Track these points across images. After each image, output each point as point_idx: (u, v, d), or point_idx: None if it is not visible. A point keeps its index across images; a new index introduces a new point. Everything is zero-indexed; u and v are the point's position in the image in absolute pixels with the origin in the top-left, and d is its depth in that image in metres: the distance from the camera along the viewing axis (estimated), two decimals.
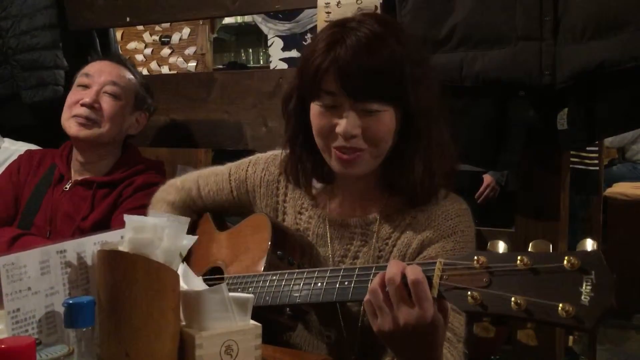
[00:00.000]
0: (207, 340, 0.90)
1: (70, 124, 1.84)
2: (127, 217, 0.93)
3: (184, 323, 0.93)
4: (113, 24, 2.57)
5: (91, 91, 1.84)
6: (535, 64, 1.43)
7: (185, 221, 0.97)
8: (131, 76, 1.92)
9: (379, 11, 1.69)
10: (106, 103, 1.84)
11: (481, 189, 3.28)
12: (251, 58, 6.17)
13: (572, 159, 2.44)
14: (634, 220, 3.92)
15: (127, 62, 2.00)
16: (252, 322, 0.95)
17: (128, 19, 2.41)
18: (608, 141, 4.35)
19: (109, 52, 2.62)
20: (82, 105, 1.82)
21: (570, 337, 0.88)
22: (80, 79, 1.88)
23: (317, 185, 1.35)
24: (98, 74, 1.87)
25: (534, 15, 1.42)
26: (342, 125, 1.16)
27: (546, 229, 1.63)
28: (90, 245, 0.99)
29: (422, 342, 0.94)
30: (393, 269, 0.92)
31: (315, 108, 1.21)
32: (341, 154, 1.19)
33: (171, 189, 1.53)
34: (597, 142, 2.86)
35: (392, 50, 1.15)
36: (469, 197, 3.01)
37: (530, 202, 1.67)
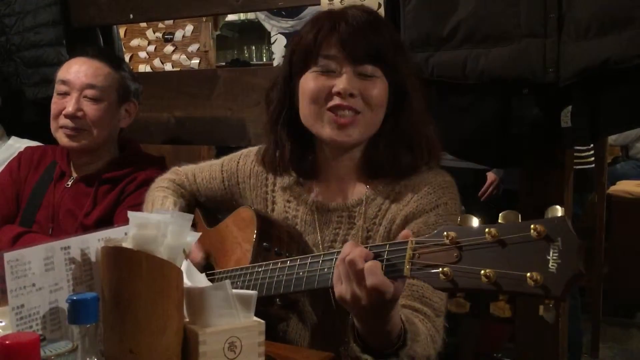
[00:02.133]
0: (210, 336, 0.90)
1: (59, 136, 1.81)
2: (130, 214, 0.93)
3: (187, 319, 0.93)
4: (116, 20, 2.57)
5: (71, 99, 1.78)
6: (539, 61, 1.43)
7: (189, 218, 0.97)
8: (109, 69, 1.84)
9: (382, 8, 1.69)
10: (89, 108, 1.79)
11: (484, 186, 3.27)
12: (254, 55, 6.17)
13: None
14: (638, 218, 3.92)
15: (105, 53, 1.92)
16: (256, 318, 0.95)
17: (131, 16, 2.41)
18: (612, 139, 4.34)
19: (112, 49, 2.62)
20: (66, 116, 1.78)
21: (541, 307, 0.87)
22: (58, 86, 1.82)
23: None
24: (74, 79, 1.79)
25: (538, 12, 1.42)
26: (340, 83, 1.22)
27: None
28: (94, 242, 0.99)
29: (377, 310, 0.96)
30: (346, 249, 0.96)
31: (308, 76, 1.26)
32: (338, 117, 1.23)
33: (167, 175, 1.56)
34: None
35: (386, 26, 1.29)
36: (473, 194, 3.00)
37: (533, 199, 1.67)
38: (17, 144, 2.20)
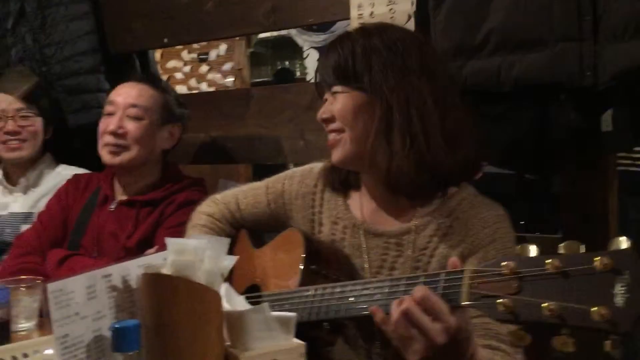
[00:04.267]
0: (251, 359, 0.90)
1: (103, 153, 1.90)
2: (168, 240, 0.94)
3: (228, 343, 0.94)
4: (151, 46, 2.64)
5: (115, 118, 1.87)
6: (575, 65, 1.39)
7: (226, 242, 0.98)
8: (153, 92, 1.93)
9: (412, 20, 1.68)
10: (130, 126, 1.86)
11: None
12: None
13: (622, 161, 2.36)
14: None
15: (150, 78, 2.01)
16: (296, 340, 0.95)
17: (165, 40, 2.46)
18: None
19: (147, 72, 2.68)
20: (109, 133, 1.86)
21: (607, 342, 0.84)
22: (106, 107, 1.92)
23: (352, 194, 1.36)
24: (120, 99, 1.89)
25: (573, 16, 1.38)
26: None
27: (595, 234, 1.58)
28: (134, 269, 1.00)
29: (453, 348, 0.94)
30: (406, 301, 0.93)
31: None
32: (330, 140, 1.28)
33: (211, 202, 1.56)
34: None
35: (358, 42, 1.24)
36: (515, 202, 2.93)
37: (576, 206, 1.63)
38: (65, 172, 2.26)
